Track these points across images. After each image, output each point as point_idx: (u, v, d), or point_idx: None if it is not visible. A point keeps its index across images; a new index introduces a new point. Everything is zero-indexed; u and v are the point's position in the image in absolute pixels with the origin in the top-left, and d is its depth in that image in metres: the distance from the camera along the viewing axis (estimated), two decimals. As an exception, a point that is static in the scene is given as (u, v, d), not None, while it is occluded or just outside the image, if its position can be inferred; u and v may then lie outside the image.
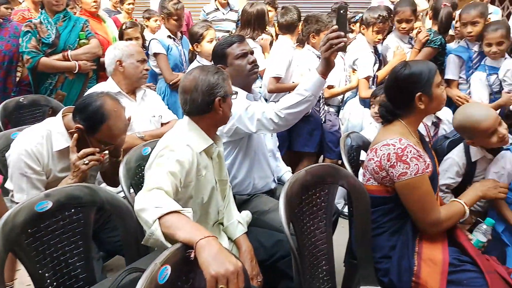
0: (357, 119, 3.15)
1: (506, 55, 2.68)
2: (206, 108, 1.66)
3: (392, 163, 1.61)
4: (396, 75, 1.73)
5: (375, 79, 3.18)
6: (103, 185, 2.08)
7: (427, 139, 2.31)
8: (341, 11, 1.76)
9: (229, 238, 1.82)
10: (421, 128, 2.50)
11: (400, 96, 1.72)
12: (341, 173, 1.75)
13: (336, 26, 1.71)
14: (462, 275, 1.61)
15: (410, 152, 1.61)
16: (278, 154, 2.44)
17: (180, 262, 1.12)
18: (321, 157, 3.62)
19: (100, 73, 3.38)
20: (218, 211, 1.77)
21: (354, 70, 3.24)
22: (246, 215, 1.88)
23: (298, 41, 3.48)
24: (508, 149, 1.92)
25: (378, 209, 1.75)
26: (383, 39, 3.29)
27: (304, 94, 1.84)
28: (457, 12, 3.16)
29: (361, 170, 2.14)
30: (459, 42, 3.12)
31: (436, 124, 2.66)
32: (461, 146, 2.02)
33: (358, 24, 3.58)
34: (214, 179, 1.73)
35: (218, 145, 1.77)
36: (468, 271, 1.62)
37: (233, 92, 1.75)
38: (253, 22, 3.49)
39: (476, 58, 2.87)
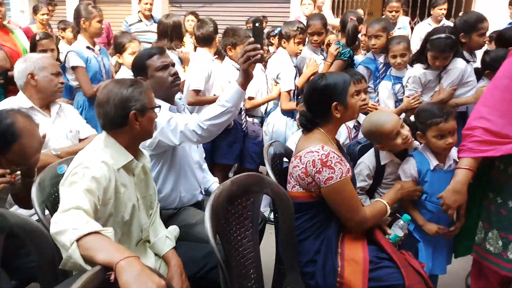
0: (281, 129, 3.25)
1: (408, 66, 2.93)
2: (120, 122, 1.60)
3: (318, 169, 1.69)
4: (313, 86, 1.82)
5: (295, 91, 3.32)
6: (15, 207, 1.93)
7: (348, 141, 2.45)
8: (256, 24, 1.82)
9: (157, 255, 1.77)
10: (344, 131, 2.63)
11: (318, 105, 1.81)
12: (266, 182, 1.79)
13: (252, 39, 1.77)
14: (381, 272, 1.72)
15: (334, 157, 1.69)
16: (205, 166, 2.43)
17: (100, 285, 1.07)
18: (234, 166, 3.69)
19: (9, 87, 3.15)
20: (142, 229, 1.71)
21: (276, 83, 3.34)
22: (174, 229, 1.85)
23: (217, 53, 3.53)
24: (411, 155, 2.07)
25: (302, 214, 1.81)
26: None
27: (225, 105, 1.87)
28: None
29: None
30: (365, 54, 3.38)
31: (357, 127, 2.83)
32: (372, 151, 2.17)
33: (277, 38, 3.70)
34: (136, 197, 1.67)
35: (142, 160, 1.72)
36: (386, 267, 1.73)
37: (156, 105, 1.71)
38: (170, 33, 3.53)
39: (382, 68, 3.11)
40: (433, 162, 2.00)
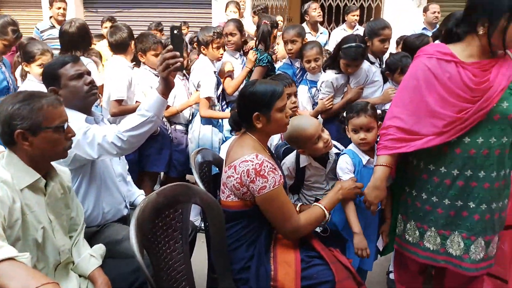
0: (207, 136, 3.20)
1: (322, 70, 3.06)
2: (8, 141, 1.48)
3: (252, 179, 1.67)
4: (243, 91, 1.81)
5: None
6: None
7: (280, 141, 2.48)
8: (174, 31, 1.75)
9: (82, 276, 1.65)
10: (277, 136, 2.64)
11: (243, 111, 1.81)
12: (194, 191, 1.75)
13: (171, 46, 1.71)
14: (312, 270, 1.76)
15: (267, 166, 1.69)
16: (129, 178, 2.33)
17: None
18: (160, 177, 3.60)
19: None
20: (59, 252, 1.59)
21: (197, 90, 3.30)
22: (99, 248, 1.74)
23: (135, 59, 3.40)
24: (344, 153, 2.12)
25: (237, 222, 1.79)
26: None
27: (146, 115, 1.80)
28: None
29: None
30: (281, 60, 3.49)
31: None
32: (294, 153, 2.22)
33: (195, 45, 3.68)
34: (47, 218, 1.54)
35: (56, 179, 1.59)
36: (317, 265, 1.78)
37: (61, 124, 1.53)
38: (77, 41, 3.23)
39: (299, 73, 3.23)
40: (365, 157, 2.07)
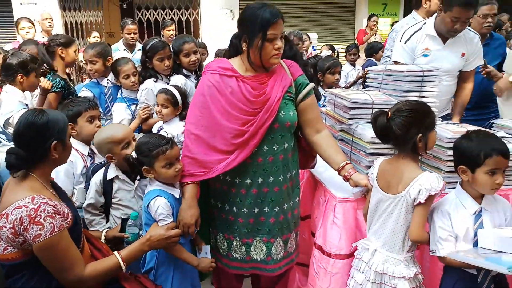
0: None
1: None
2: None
3: (25, 227, 1.45)
4: (30, 122, 1.56)
5: None
6: None
7: (85, 169, 2.26)
8: None
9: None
10: (79, 162, 2.38)
11: (33, 144, 1.56)
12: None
13: None
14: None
15: (44, 210, 1.48)
16: None
17: None
18: None
19: None
20: None
21: None
22: None
23: None
24: (157, 195, 1.86)
25: (20, 276, 1.55)
26: None
27: None
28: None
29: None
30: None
31: (92, 154, 2.66)
32: (103, 168, 2.12)
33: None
34: None
35: None
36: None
37: None
38: None
39: (109, 91, 3.06)
40: (176, 191, 1.89)
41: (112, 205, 2.12)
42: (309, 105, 1.92)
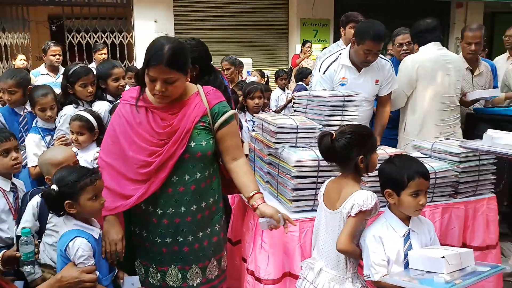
0: None
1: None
2: None
3: None
4: None
5: None
6: None
7: (7, 207, 2.09)
8: None
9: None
10: (1, 201, 2.21)
11: None
12: None
13: None
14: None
15: None
16: None
17: None
18: None
19: None
20: None
21: None
22: None
23: None
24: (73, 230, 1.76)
25: None
26: None
27: None
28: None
29: None
30: None
31: (14, 189, 2.47)
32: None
33: None
34: None
35: None
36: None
37: None
38: None
39: (24, 120, 2.90)
40: (95, 231, 1.76)
41: (46, 231, 1.98)
42: (225, 133, 1.88)
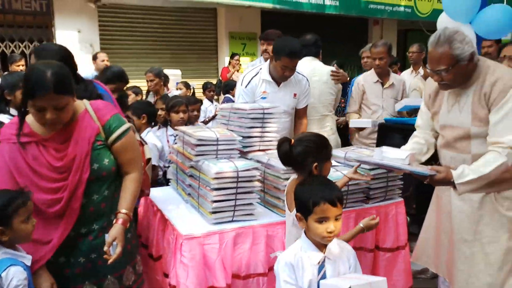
0: None
1: None
2: None
3: None
4: None
5: None
6: None
7: None
8: None
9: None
10: None
11: None
12: None
13: None
14: None
15: None
16: None
17: None
18: None
19: None
20: None
21: None
22: None
23: None
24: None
25: None
26: None
27: None
28: None
29: None
30: None
31: None
32: None
33: None
34: None
35: None
36: None
37: None
38: None
39: None
40: (27, 258, 1.66)
41: None
42: (120, 148, 1.83)
